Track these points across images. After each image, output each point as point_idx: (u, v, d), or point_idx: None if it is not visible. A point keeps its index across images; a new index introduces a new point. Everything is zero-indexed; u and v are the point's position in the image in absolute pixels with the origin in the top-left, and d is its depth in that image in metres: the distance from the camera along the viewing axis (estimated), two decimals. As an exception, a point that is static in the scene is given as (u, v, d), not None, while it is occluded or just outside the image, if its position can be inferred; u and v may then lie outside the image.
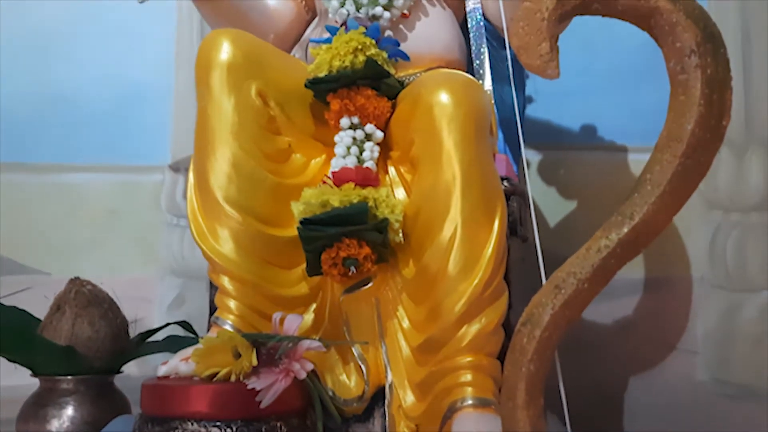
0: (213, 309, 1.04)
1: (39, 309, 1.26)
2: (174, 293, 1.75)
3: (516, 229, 1.02)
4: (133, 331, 1.30)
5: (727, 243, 1.56)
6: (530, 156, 1.66)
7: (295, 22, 1.22)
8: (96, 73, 1.81)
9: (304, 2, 1.22)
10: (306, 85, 1.01)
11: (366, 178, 0.94)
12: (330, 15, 1.09)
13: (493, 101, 1.14)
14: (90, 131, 1.81)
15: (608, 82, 1.62)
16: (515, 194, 1.04)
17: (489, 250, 0.89)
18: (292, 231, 0.96)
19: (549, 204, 1.65)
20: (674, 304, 1.57)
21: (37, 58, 1.83)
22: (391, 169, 1.03)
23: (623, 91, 1.61)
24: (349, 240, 0.90)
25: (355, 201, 0.91)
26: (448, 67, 1.13)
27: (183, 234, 1.76)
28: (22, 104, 1.82)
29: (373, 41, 1.01)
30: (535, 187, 1.65)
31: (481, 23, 1.14)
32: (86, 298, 1.17)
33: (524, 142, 1.56)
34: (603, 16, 0.86)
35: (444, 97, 0.91)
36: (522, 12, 0.83)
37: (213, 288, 1.04)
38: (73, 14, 1.84)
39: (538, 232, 0.96)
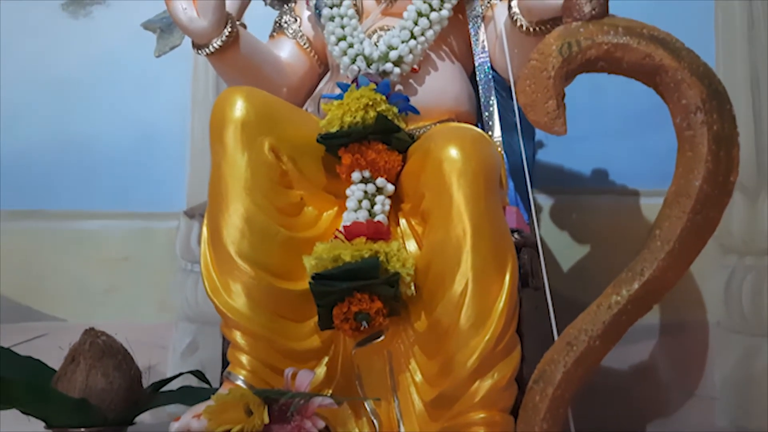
0: (226, 357, 1.04)
1: (55, 356, 1.27)
2: (188, 339, 1.75)
3: (528, 281, 1.02)
4: (147, 379, 1.30)
5: (743, 287, 1.55)
6: (542, 200, 1.66)
7: (307, 76, 1.25)
8: (112, 119, 1.84)
9: (316, 56, 1.25)
10: (318, 140, 1.03)
11: (377, 232, 0.96)
12: (341, 71, 1.11)
13: (502, 151, 1.16)
14: (106, 178, 1.84)
15: (619, 125, 1.63)
16: (526, 246, 1.04)
17: (500, 304, 0.90)
18: (304, 284, 0.97)
19: (561, 248, 1.65)
20: (691, 349, 1.55)
21: (55, 106, 1.87)
22: (402, 221, 1.04)
23: (635, 135, 1.61)
24: (360, 294, 0.91)
25: (366, 255, 0.92)
26: (457, 119, 1.15)
27: (197, 280, 1.77)
28: (40, 152, 1.86)
29: (384, 97, 1.03)
30: (548, 232, 1.65)
31: (490, 76, 1.15)
32: (101, 349, 1.18)
33: (536, 186, 1.57)
34: (609, 73, 0.87)
35: (453, 153, 0.93)
36: (528, 70, 0.85)
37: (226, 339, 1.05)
38: (91, 62, 1.88)
39: (551, 277, 0.97)
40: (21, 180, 1.85)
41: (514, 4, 0.99)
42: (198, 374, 1.34)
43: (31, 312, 1.81)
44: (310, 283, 0.94)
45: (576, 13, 0.85)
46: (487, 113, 1.17)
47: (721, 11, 1.62)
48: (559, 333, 0.86)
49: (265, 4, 1.33)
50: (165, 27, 1.34)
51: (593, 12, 0.85)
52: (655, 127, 1.57)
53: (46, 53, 1.90)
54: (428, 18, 1.09)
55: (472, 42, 1.16)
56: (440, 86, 1.14)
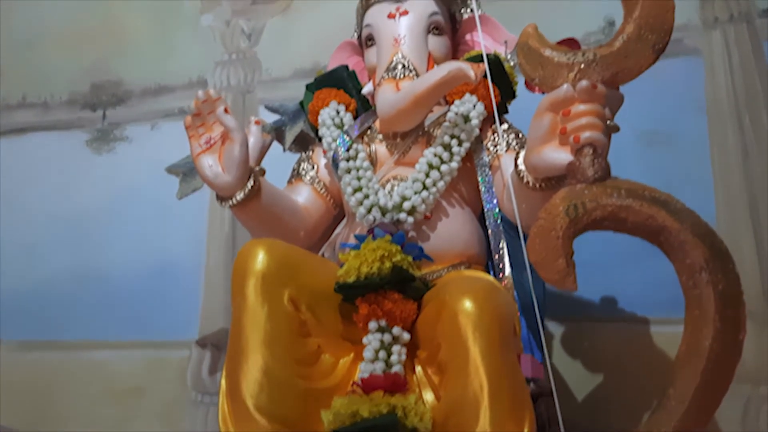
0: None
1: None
2: (196, 474, 1.72)
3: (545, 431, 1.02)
4: None
5: (760, 417, 1.53)
6: (553, 329, 1.68)
7: (323, 219, 1.30)
8: (129, 251, 1.90)
9: (332, 200, 1.30)
10: (335, 290, 1.07)
11: (394, 384, 0.97)
12: (357, 219, 1.16)
13: (513, 290, 1.18)
14: (120, 307, 1.87)
15: (627, 254, 1.64)
16: (542, 395, 1.05)
17: (519, 460, 0.89)
18: (321, 436, 0.97)
19: (574, 377, 1.64)
20: (713, 483, 1.51)
21: (74, 239, 1.94)
22: (418, 369, 1.05)
23: (642, 263, 1.62)
24: (379, 451, 0.91)
25: (384, 411, 0.93)
26: (468, 261, 1.19)
27: (207, 411, 1.76)
28: (57, 283, 1.90)
29: (399, 247, 1.07)
30: (560, 361, 1.65)
31: (499, 221, 1.19)
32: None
33: (546, 315, 1.58)
34: (614, 231, 0.92)
35: (468, 305, 0.95)
36: (537, 229, 0.90)
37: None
38: (111, 195, 1.96)
39: (564, 408, 0.96)
40: (37, 311, 1.88)
41: (520, 162, 1.05)
42: None
43: (39, 446, 1.79)
44: (328, 439, 0.94)
45: (580, 176, 0.91)
46: (497, 255, 1.20)
47: (716, 145, 1.69)
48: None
49: (284, 150, 1.41)
50: (188, 171, 1.41)
51: (596, 175, 0.90)
52: (662, 255, 1.61)
53: (68, 187, 1.98)
54: (439, 170, 1.16)
55: (480, 189, 1.22)
56: (451, 232, 1.18)
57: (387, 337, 1.03)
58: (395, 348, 1.03)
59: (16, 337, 1.90)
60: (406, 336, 1.05)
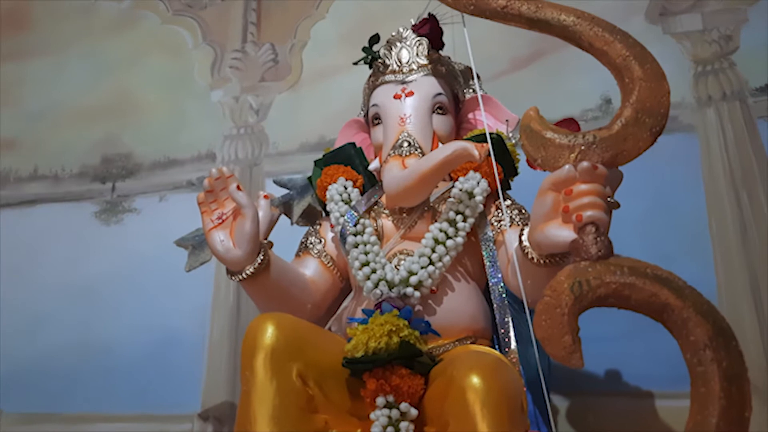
0: None
1: None
2: None
3: None
4: None
5: (763, 491, 1.51)
6: (558, 402, 1.67)
7: (330, 292, 1.32)
8: (133, 323, 1.90)
9: (338, 273, 1.32)
10: (343, 365, 1.08)
11: (403, 462, 0.97)
12: (364, 293, 1.18)
13: (519, 366, 1.18)
14: (123, 380, 1.86)
15: (631, 327, 1.65)
16: (550, 473, 1.05)
17: None
18: None
19: (581, 453, 1.63)
20: None
21: (79, 310, 1.94)
22: (426, 446, 1.05)
23: (646, 337, 1.63)
24: None
25: (392, 489, 0.92)
26: (474, 335, 1.20)
27: (208, 487, 1.73)
28: (60, 356, 1.90)
29: (406, 322, 1.09)
30: (566, 435, 1.64)
31: (503, 295, 1.21)
32: None
33: (551, 389, 1.58)
34: (618, 308, 0.93)
35: (476, 381, 0.96)
36: (543, 306, 0.91)
37: None
38: (117, 267, 1.98)
39: None
40: (39, 383, 1.87)
41: (524, 238, 1.08)
42: None
43: None
44: None
45: (584, 254, 0.93)
46: (503, 330, 1.21)
47: (714, 219, 1.72)
48: None
49: (291, 224, 1.44)
50: (197, 244, 1.43)
51: (599, 253, 0.92)
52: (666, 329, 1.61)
53: (76, 258, 2.00)
54: (445, 245, 1.18)
55: (485, 263, 1.24)
56: (457, 306, 1.20)
57: (395, 413, 1.03)
58: (403, 424, 1.03)
59: (17, 409, 1.88)
60: (414, 412, 1.05)
